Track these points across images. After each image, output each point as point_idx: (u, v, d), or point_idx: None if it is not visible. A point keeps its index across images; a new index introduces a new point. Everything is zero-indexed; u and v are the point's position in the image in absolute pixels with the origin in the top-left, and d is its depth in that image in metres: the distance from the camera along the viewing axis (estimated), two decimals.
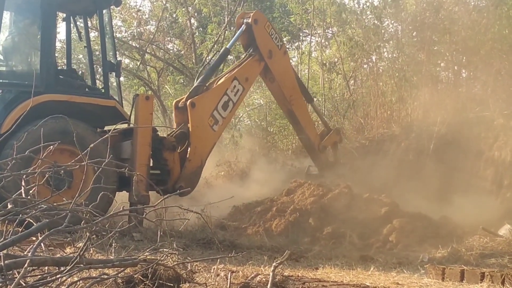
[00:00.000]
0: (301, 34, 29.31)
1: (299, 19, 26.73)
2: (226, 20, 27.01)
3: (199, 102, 14.34)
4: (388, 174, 17.32)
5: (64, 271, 4.89)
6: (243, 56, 16.20)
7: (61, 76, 13.78)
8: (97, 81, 14.96)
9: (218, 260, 7.41)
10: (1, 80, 13.15)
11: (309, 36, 27.49)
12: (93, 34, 20.00)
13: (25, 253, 5.42)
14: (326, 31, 26.77)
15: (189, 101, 14.29)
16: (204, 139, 14.43)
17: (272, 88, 16.47)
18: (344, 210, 14.25)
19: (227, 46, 16.37)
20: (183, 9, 29.57)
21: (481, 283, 8.26)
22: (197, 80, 15.17)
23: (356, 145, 20.06)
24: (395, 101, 21.59)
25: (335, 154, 17.19)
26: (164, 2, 29.94)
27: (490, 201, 15.07)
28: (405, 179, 16.56)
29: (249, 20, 15.41)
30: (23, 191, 5.82)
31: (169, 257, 6.62)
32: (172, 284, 6.31)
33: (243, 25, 15.50)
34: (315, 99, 20.85)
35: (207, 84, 14.80)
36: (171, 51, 33.00)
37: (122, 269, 5.78)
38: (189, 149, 14.16)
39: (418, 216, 13.62)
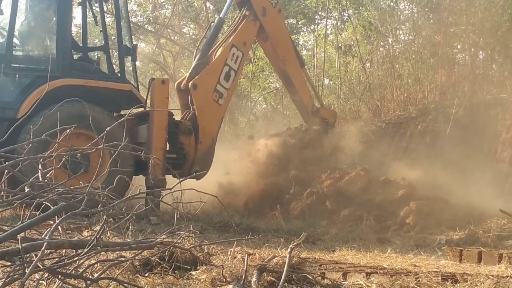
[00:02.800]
0: (316, 17, 29.20)
1: (314, 1, 26.64)
2: None
3: (200, 82, 14.23)
4: (406, 156, 17.27)
5: (82, 254, 4.90)
6: (236, 19, 15.93)
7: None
8: (113, 65, 14.91)
9: (235, 242, 7.41)
10: (17, 65, 13.17)
11: (325, 19, 27.41)
12: (108, 19, 20.02)
13: (43, 236, 5.43)
14: (342, 13, 26.68)
15: (190, 83, 14.20)
16: (211, 117, 14.34)
17: (265, 47, 16.30)
18: (360, 193, 14.23)
19: (220, 16, 16.02)
20: None
21: (498, 264, 8.24)
22: (195, 58, 15.01)
23: (372, 128, 19.98)
24: (411, 84, 21.51)
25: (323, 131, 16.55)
26: None
27: (507, 183, 15.00)
28: (422, 162, 16.51)
29: None
30: (40, 175, 5.83)
31: (186, 240, 6.63)
32: (189, 267, 6.33)
33: None
34: (330, 82, 20.75)
35: (205, 60, 14.64)
36: (186, 35, 33.02)
37: (139, 251, 5.80)
38: (198, 131, 14.10)
39: (435, 199, 13.58)
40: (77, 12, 17.38)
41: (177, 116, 14.75)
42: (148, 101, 14.05)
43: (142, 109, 13.83)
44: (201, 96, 14.19)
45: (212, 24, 16.07)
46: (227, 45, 14.84)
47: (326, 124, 16.59)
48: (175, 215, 7.31)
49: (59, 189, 5.55)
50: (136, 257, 5.85)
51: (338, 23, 26.67)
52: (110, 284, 5.48)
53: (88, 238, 5.41)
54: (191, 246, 6.48)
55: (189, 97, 14.37)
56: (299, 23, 29.29)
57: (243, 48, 14.99)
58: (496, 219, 12.06)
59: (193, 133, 13.97)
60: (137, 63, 16.91)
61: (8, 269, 4.74)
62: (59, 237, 5.68)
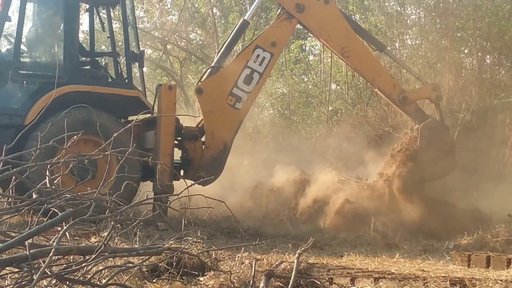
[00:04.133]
0: None
1: None
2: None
3: (206, 86, 13.83)
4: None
5: (89, 260, 4.91)
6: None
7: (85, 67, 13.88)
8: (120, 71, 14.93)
9: (243, 248, 7.40)
10: (25, 72, 13.20)
11: None
12: (116, 25, 20.05)
13: (50, 242, 5.44)
14: None
15: (195, 88, 14.02)
16: (223, 122, 13.83)
17: (322, 43, 15.42)
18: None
19: (245, 17, 14.85)
20: None
21: (507, 269, 8.22)
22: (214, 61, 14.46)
23: (380, 133, 19.96)
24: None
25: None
26: None
27: None
28: None
29: None
30: (47, 181, 5.84)
31: (193, 246, 6.63)
32: (196, 272, 6.32)
33: None
34: (337, 87, 20.59)
35: (222, 64, 14.13)
36: (193, 41, 33.06)
37: (147, 257, 5.79)
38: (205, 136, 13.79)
39: (443, 203, 13.53)
40: (84, 18, 17.45)
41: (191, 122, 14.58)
42: (156, 107, 14.03)
43: (149, 115, 13.82)
44: (207, 100, 13.81)
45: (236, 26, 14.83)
46: (249, 47, 14.06)
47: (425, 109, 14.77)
48: (183, 220, 7.31)
49: (67, 195, 5.57)
50: (144, 263, 5.85)
51: None
52: None
53: (96, 244, 5.41)
54: (199, 251, 6.47)
55: (196, 102, 14.26)
56: None
57: (271, 49, 13.86)
58: (504, 224, 12.04)
59: (200, 138, 13.83)
60: (144, 69, 16.89)
61: (16, 275, 4.76)
62: (66, 243, 5.68)
